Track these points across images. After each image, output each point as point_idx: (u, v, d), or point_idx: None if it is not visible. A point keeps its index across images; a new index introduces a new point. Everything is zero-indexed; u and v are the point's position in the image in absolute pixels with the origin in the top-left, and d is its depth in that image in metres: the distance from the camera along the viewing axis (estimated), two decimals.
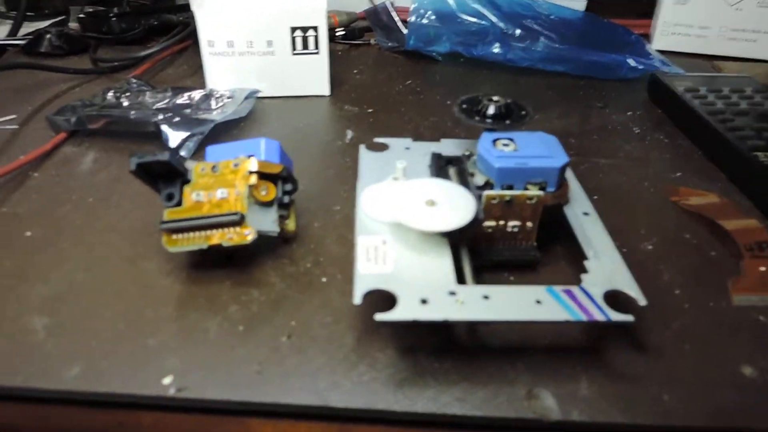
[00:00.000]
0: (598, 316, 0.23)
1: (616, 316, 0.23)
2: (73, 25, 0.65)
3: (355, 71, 0.55)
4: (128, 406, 0.23)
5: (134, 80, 0.49)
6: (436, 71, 0.56)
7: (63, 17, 0.68)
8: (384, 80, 0.54)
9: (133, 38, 0.61)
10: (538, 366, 0.24)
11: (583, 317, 0.22)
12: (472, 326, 0.26)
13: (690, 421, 0.22)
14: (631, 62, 0.53)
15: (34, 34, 0.59)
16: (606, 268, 0.25)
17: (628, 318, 0.23)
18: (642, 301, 0.24)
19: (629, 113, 0.49)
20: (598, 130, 0.45)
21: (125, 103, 0.45)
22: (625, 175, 0.39)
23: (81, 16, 0.62)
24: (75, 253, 0.30)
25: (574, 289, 0.24)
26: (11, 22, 0.61)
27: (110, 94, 0.46)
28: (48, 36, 0.58)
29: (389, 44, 0.61)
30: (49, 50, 0.58)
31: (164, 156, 0.27)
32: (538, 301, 0.23)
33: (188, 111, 0.43)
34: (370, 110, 0.47)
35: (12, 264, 0.30)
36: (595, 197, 0.36)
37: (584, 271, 0.25)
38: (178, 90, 0.47)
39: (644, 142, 0.44)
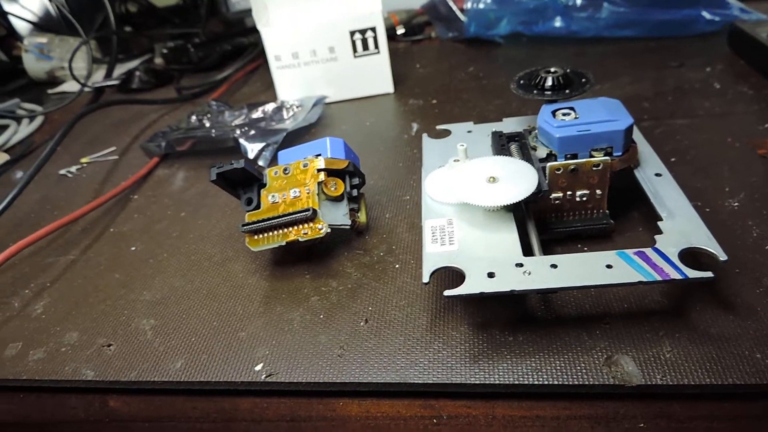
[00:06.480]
0: (674, 275, 0.22)
1: (694, 274, 0.22)
2: (158, 60, 0.70)
3: (417, 66, 0.56)
4: (226, 393, 0.25)
5: (214, 102, 0.53)
6: (498, 54, 0.56)
7: (149, 55, 0.75)
8: (446, 70, 0.54)
9: (211, 64, 0.66)
10: (616, 333, 0.24)
11: (657, 277, 0.22)
12: (546, 298, 0.26)
13: None
14: (707, 15, 0.50)
15: (126, 74, 0.65)
16: (681, 227, 0.24)
17: (707, 275, 0.22)
18: (722, 256, 0.22)
19: (708, 69, 0.46)
20: (674, 91, 0.43)
21: (207, 124, 0.48)
22: (705, 134, 0.37)
23: (164, 51, 0.68)
24: (173, 262, 0.33)
25: (647, 251, 0.23)
26: (106, 65, 0.68)
27: (193, 118, 0.50)
28: (137, 73, 0.64)
29: (450, 35, 0.61)
30: (139, 86, 0.63)
31: (240, 163, 0.29)
32: (609, 266, 0.23)
33: (263, 124, 0.46)
34: (434, 101, 0.48)
35: (121, 276, 0.33)
36: (673, 159, 0.34)
37: (658, 232, 0.24)
38: (253, 105, 0.50)
39: (725, 96, 0.41)
